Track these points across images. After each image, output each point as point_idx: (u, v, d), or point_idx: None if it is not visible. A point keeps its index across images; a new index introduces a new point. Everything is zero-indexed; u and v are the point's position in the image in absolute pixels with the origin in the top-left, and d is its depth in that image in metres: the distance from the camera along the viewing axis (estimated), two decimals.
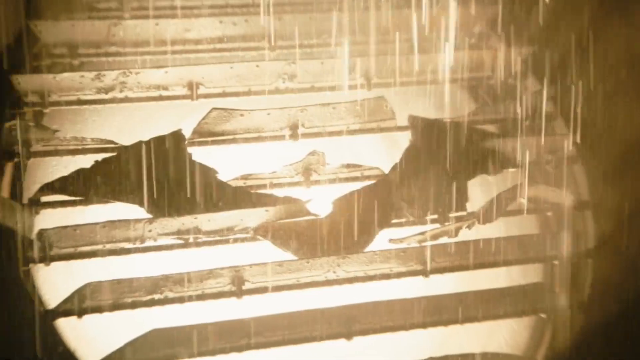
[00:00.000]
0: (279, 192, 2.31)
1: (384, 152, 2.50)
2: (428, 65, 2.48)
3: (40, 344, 2.08)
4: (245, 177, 2.31)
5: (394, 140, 2.49)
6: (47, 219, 2.18)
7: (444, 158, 2.39)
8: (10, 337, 2.04)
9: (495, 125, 2.48)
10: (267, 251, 2.28)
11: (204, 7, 2.47)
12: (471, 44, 2.55)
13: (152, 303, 2.16)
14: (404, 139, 2.42)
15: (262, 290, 2.23)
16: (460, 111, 2.50)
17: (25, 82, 2.23)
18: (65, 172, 2.21)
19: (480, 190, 2.47)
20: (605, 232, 2.40)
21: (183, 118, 2.36)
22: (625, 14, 2.35)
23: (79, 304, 2.12)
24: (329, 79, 2.44)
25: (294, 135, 2.35)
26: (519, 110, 2.47)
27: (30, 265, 2.14)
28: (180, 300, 2.18)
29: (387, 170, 2.37)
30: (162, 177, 2.21)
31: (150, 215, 2.19)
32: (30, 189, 2.23)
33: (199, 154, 2.28)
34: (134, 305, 2.15)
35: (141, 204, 2.20)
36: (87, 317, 2.13)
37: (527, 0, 2.48)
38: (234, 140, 2.32)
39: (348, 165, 2.38)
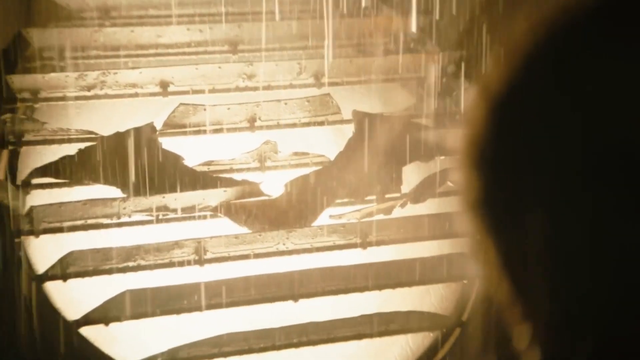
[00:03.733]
0: (237, 176, 2.47)
1: (331, 142, 2.66)
2: (370, 67, 2.64)
3: (30, 304, 2.27)
4: (208, 163, 2.46)
5: (340, 132, 2.66)
6: (37, 198, 2.34)
7: (382, 147, 2.60)
8: (4, 297, 2.24)
9: (428, 118, 2.69)
10: (225, 226, 2.44)
11: (173, 17, 2.56)
12: (409, 47, 2.72)
13: (126, 269, 2.32)
14: (349, 131, 2.59)
15: (221, 259, 2.40)
16: (398, 106, 2.71)
17: (18, 81, 2.35)
18: (53, 158, 2.34)
19: (415, 175, 2.69)
20: None
21: (155, 112, 2.48)
22: None
23: (64, 269, 2.28)
24: (282, 78, 2.57)
25: (251, 127, 2.50)
26: (448, 105, 2.69)
27: (22, 237, 2.31)
28: (151, 267, 2.34)
29: (332, 158, 2.55)
30: (136, 162, 2.36)
31: (125, 195, 2.36)
32: (22, 172, 2.36)
33: (169, 143, 2.43)
34: (110, 271, 2.31)
35: (117, 185, 2.36)
36: (70, 281, 2.30)
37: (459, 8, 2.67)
38: (198, 132, 2.45)
39: (298, 153, 2.55)
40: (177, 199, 2.39)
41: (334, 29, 2.61)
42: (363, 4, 2.70)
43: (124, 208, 2.36)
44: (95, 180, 2.36)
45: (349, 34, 2.66)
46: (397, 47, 2.69)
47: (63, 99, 2.41)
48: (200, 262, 2.39)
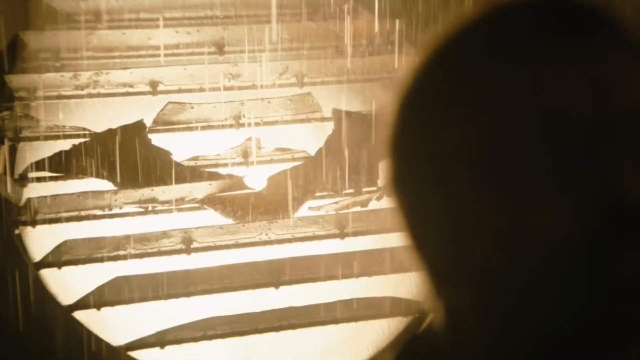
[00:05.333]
0: (222, 171, 2.55)
1: (312, 138, 2.74)
2: (350, 67, 2.72)
3: (27, 290, 2.34)
4: (195, 158, 2.54)
5: (320, 129, 2.74)
6: (34, 191, 2.41)
7: (360, 143, 2.70)
8: (2, 283, 2.32)
9: None
10: (211, 217, 2.53)
11: (163, 20, 2.64)
12: (386, 49, 2.79)
13: (117, 258, 2.40)
14: (328, 128, 2.68)
15: (207, 248, 2.49)
16: (375, 105, 2.81)
17: (16, 80, 2.42)
18: (49, 153, 2.42)
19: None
20: None
21: (145, 110, 2.55)
22: None
23: (59, 257, 2.37)
24: (266, 78, 2.64)
25: (236, 125, 2.59)
26: None
27: (20, 228, 2.39)
28: (140, 255, 2.43)
29: (313, 153, 2.65)
30: (127, 157, 2.46)
31: (116, 188, 2.45)
32: (20, 167, 2.43)
33: (158, 139, 2.51)
34: (102, 259, 2.40)
35: (109, 179, 2.45)
36: (65, 269, 2.39)
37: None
38: (186, 129, 2.54)
39: (280, 149, 2.64)
40: (166, 192, 2.48)
41: (315, 32, 2.72)
42: (344, 8, 2.80)
43: (115, 200, 2.45)
44: (89, 174, 2.45)
45: (330, 36, 2.74)
46: (375, 49, 2.79)
47: (58, 97, 2.49)
48: (187, 251, 2.48)
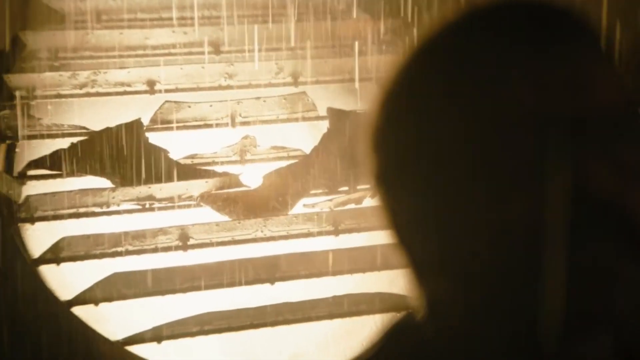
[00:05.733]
0: (218, 168, 2.58)
1: (307, 137, 2.76)
2: (344, 67, 2.76)
3: (26, 286, 2.37)
4: (191, 156, 2.57)
5: (315, 127, 2.76)
6: (32, 188, 2.45)
7: (354, 141, 2.73)
8: (2, 279, 2.34)
9: None
10: (207, 214, 2.56)
11: (160, 20, 2.68)
12: (378, 49, 2.81)
13: (115, 254, 2.43)
14: (323, 126, 2.70)
15: (203, 245, 2.51)
16: (369, 103, 2.84)
17: (15, 80, 2.45)
18: (48, 151, 2.46)
19: None
20: None
21: (142, 109, 2.57)
22: None
23: (57, 254, 2.39)
24: (262, 77, 2.69)
25: (232, 123, 2.61)
26: None
27: (19, 224, 2.41)
28: (137, 252, 2.45)
29: (308, 151, 2.67)
30: (125, 156, 2.48)
31: (114, 186, 2.47)
32: (19, 165, 2.47)
33: (155, 138, 2.54)
34: (100, 255, 2.42)
35: (107, 176, 2.48)
36: (63, 265, 2.41)
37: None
38: (183, 127, 2.57)
39: (275, 147, 2.67)
40: (163, 189, 2.51)
41: (310, 32, 2.73)
42: (338, 8, 2.83)
43: (113, 197, 2.48)
44: (87, 171, 2.48)
45: (325, 36, 2.76)
46: (369, 49, 2.82)
47: (57, 96, 2.53)
48: (183, 247, 2.51)
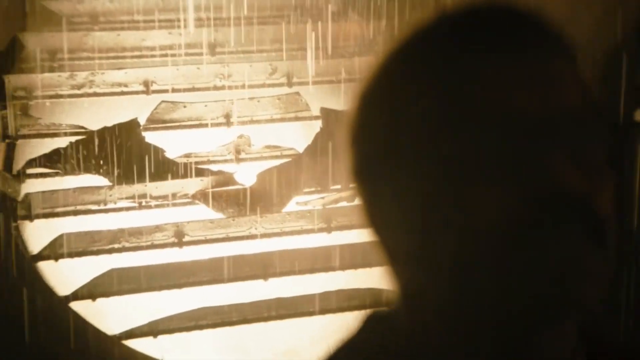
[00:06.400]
0: (213, 167, 2.62)
1: (300, 136, 2.79)
2: (337, 68, 2.78)
3: (25, 282, 2.41)
4: (187, 155, 2.60)
5: (308, 127, 2.79)
6: (32, 186, 2.48)
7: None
8: (1, 275, 2.37)
9: None
10: (202, 212, 2.60)
11: (156, 21, 2.70)
12: (372, 50, 2.81)
13: (112, 251, 2.47)
14: (317, 126, 2.73)
15: (199, 242, 2.55)
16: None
17: (14, 81, 2.48)
18: (46, 150, 2.49)
19: None
20: None
21: (139, 109, 2.60)
22: None
23: (55, 250, 2.43)
24: (256, 78, 2.71)
25: (227, 123, 2.65)
26: None
27: (19, 222, 2.44)
28: (134, 248, 2.49)
29: (301, 150, 2.70)
30: (122, 154, 2.52)
31: (111, 184, 2.51)
32: (18, 163, 2.50)
33: (151, 137, 2.57)
34: (98, 252, 2.46)
35: (104, 175, 2.51)
36: (61, 261, 2.44)
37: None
38: (178, 127, 2.61)
39: (269, 146, 2.71)
40: (159, 187, 2.55)
41: (304, 34, 2.76)
42: (331, 11, 2.87)
43: (110, 195, 2.52)
44: (85, 170, 2.52)
45: (318, 38, 2.79)
46: (362, 50, 2.85)
47: (55, 96, 2.56)
48: (179, 244, 2.55)
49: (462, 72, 0.76)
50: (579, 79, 0.79)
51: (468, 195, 0.74)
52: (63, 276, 2.49)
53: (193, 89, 2.69)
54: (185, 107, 2.62)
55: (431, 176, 0.76)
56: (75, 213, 2.50)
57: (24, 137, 2.52)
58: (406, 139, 0.78)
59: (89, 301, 2.46)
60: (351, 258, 2.66)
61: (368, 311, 0.89)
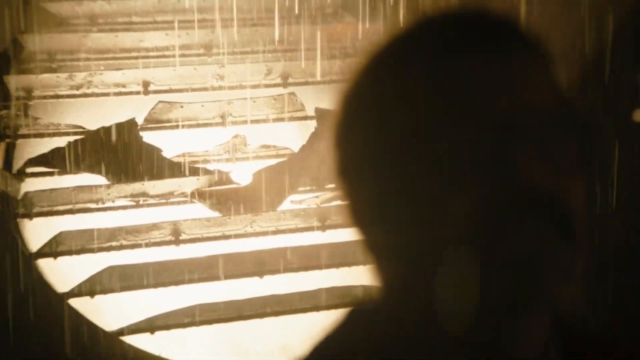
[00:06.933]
0: (210, 166, 2.64)
1: (296, 136, 2.80)
2: (332, 68, 2.81)
3: (25, 279, 2.42)
4: (184, 155, 2.63)
5: (303, 127, 2.80)
6: (31, 185, 2.50)
7: None
8: (1, 272, 2.39)
9: None
10: (199, 210, 2.61)
11: (154, 23, 2.75)
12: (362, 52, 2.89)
13: (110, 248, 2.50)
14: (311, 126, 2.75)
15: (195, 239, 2.57)
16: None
17: (14, 81, 2.51)
18: (46, 150, 2.52)
19: None
20: None
21: (137, 109, 2.63)
22: None
23: (54, 248, 2.45)
24: (252, 79, 2.73)
25: (223, 123, 2.68)
26: None
27: (18, 220, 2.47)
28: (132, 246, 2.51)
29: (296, 150, 2.72)
30: (120, 153, 2.54)
31: (109, 183, 2.53)
32: (18, 162, 2.52)
33: (149, 136, 2.59)
34: (96, 250, 2.48)
35: (103, 174, 2.54)
36: (60, 259, 2.47)
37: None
38: (175, 126, 2.63)
39: (265, 146, 2.73)
40: (156, 186, 2.58)
41: (299, 35, 2.79)
42: (326, 12, 2.89)
43: (108, 194, 2.54)
44: (83, 169, 2.54)
45: (313, 39, 2.82)
46: (356, 51, 2.87)
47: (54, 97, 2.60)
48: (176, 242, 2.57)
49: (437, 74, 0.78)
50: (551, 80, 0.82)
51: (441, 192, 0.76)
52: (62, 273, 2.51)
53: (190, 90, 2.72)
54: (182, 107, 2.64)
55: (407, 174, 0.78)
56: (74, 211, 2.52)
57: (24, 136, 2.55)
58: (384, 139, 0.80)
59: (87, 298, 2.48)
60: (345, 256, 2.68)
61: (351, 306, 0.91)
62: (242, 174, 2.70)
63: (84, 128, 2.56)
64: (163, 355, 2.52)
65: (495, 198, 0.75)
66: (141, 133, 2.59)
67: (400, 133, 0.79)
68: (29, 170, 2.53)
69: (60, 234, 2.48)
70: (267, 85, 2.79)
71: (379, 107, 0.82)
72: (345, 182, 0.88)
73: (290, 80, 2.83)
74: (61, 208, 2.52)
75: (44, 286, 2.46)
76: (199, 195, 2.63)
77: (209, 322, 2.56)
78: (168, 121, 2.65)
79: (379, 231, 0.83)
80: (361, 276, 2.71)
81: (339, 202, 2.48)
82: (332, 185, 2.75)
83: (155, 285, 2.53)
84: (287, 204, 2.73)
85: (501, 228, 0.75)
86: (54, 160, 2.52)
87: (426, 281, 0.79)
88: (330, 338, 0.88)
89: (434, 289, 0.79)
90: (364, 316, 0.88)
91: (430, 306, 0.80)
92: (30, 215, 2.49)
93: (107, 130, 2.56)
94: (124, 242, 2.53)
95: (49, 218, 2.51)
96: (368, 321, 0.86)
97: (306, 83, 2.83)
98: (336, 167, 0.89)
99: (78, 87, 2.60)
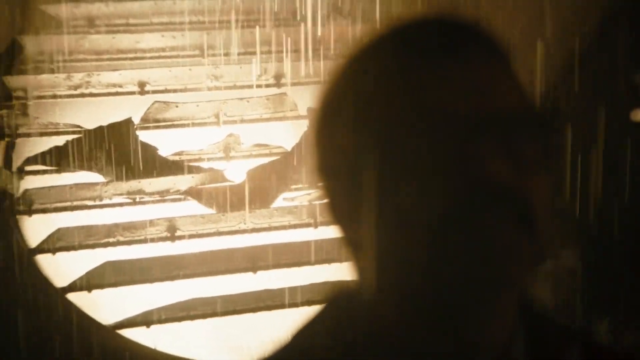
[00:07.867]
0: (204, 165, 2.68)
1: (289, 135, 2.83)
2: (324, 69, 2.82)
3: (24, 274, 2.46)
4: (179, 153, 2.66)
5: (296, 126, 2.83)
6: (30, 183, 2.54)
7: None
8: (1, 268, 2.43)
9: None
10: (194, 207, 2.64)
11: (150, 24, 2.78)
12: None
13: (107, 244, 2.53)
14: (304, 125, 2.74)
15: (190, 236, 2.60)
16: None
17: (13, 81, 2.54)
18: (44, 148, 2.55)
19: None
20: None
21: (133, 109, 2.65)
22: None
23: (53, 244, 2.48)
24: (246, 79, 2.77)
25: (217, 122, 2.71)
26: None
27: (18, 216, 2.50)
28: (128, 242, 2.54)
29: (289, 149, 2.76)
30: (116, 152, 2.58)
31: (106, 180, 2.57)
32: (17, 160, 2.55)
33: (145, 135, 2.63)
34: (93, 246, 2.52)
35: (100, 172, 2.58)
36: (58, 254, 2.50)
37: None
38: (171, 126, 2.67)
39: (258, 145, 2.76)
40: (152, 184, 2.61)
41: (292, 36, 2.83)
42: (319, 13, 2.92)
43: (106, 191, 2.58)
44: (81, 167, 2.58)
45: (306, 40, 2.85)
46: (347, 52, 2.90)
47: (53, 97, 2.63)
48: (171, 238, 2.61)
49: (405, 76, 0.82)
50: (514, 81, 0.85)
51: (410, 188, 0.80)
52: (60, 268, 2.54)
53: (185, 90, 2.75)
54: (177, 107, 2.68)
55: (377, 172, 0.82)
56: (72, 208, 2.56)
57: (23, 135, 2.58)
58: (357, 137, 0.84)
59: (84, 292, 2.51)
60: (337, 251, 2.70)
61: (328, 301, 0.95)
62: (236, 172, 2.73)
63: (81, 127, 2.59)
64: (158, 348, 2.55)
65: (461, 194, 0.79)
66: (137, 132, 2.62)
67: (370, 132, 0.83)
68: (28, 168, 2.56)
69: (59, 230, 2.51)
70: (260, 86, 2.82)
71: (351, 107, 0.85)
72: (323, 179, 0.92)
73: (283, 80, 2.86)
74: (59, 205, 2.55)
75: (43, 281, 2.49)
76: (194, 192, 2.66)
77: (204, 316, 2.59)
78: (164, 120, 2.68)
79: (355, 228, 0.87)
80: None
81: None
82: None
83: (151, 280, 2.56)
84: (279, 201, 2.76)
85: (467, 222, 0.78)
86: (52, 159, 2.56)
87: (396, 275, 0.83)
88: (306, 333, 0.92)
89: (406, 283, 0.83)
90: (341, 310, 0.92)
91: (401, 300, 0.84)
92: (29, 212, 2.53)
93: (104, 129, 2.59)
94: (121, 238, 2.56)
95: (48, 215, 2.54)
96: (347, 316, 0.90)
97: (299, 83, 2.85)
98: (316, 165, 0.93)
99: (76, 88, 2.63)
